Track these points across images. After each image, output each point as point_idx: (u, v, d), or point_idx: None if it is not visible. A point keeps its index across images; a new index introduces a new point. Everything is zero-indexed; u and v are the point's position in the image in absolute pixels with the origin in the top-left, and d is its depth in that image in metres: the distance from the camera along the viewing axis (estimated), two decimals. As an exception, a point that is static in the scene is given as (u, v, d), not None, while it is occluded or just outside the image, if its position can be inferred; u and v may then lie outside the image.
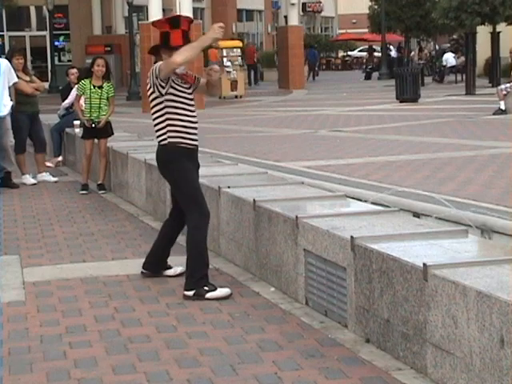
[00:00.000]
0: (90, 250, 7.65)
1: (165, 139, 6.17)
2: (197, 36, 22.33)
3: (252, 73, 41.36)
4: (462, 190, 8.28)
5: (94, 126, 11.06)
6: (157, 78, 6.09)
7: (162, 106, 6.14)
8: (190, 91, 6.25)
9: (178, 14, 6.52)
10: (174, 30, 6.15)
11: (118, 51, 37.89)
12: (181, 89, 6.17)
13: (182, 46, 6.07)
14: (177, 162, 6.18)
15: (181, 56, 5.94)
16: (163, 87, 6.11)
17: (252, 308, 5.70)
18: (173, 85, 6.12)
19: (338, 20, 70.66)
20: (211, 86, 6.45)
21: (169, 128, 6.14)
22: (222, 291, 5.98)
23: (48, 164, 13.49)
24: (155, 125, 6.24)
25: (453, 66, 35.71)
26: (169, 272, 6.58)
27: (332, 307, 5.37)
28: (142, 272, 6.60)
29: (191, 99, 6.26)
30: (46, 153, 13.56)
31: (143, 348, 4.95)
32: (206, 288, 5.97)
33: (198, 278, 6.01)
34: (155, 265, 6.60)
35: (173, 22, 6.21)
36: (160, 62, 6.14)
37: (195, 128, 6.25)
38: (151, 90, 6.17)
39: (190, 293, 5.98)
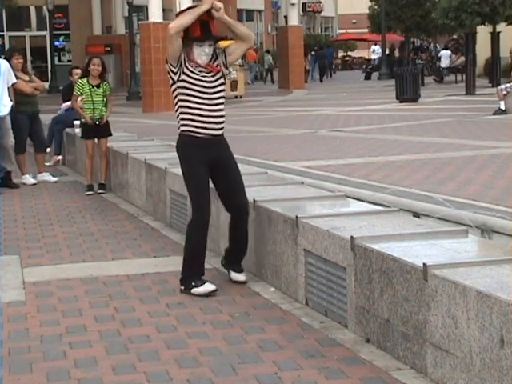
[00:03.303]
0: (90, 250, 7.65)
1: (179, 128, 6.19)
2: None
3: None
4: (461, 189, 8.27)
5: (97, 123, 11.11)
6: (166, 62, 6.12)
7: (175, 94, 6.15)
8: (212, 79, 6.15)
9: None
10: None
11: (118, 51, 37.90)
12: (196, 76, 6.09)
13: (199, 36, 6.10)
14: (183, 152, 6.17)
15: (174, 23, 6.02)
16: (174, 73, 6.10)
17: (252, 308, 5.70)
18: (186, 71, 6.08)
19: (337, 20, 70.67)
20: (232, 29, 6.29)
21: (181, 116, 6.15)
22: (205, 288, 6.02)
23: (46, 163, 13.44)
24: (175, 112, 6.24)
25: (447, 67, 35.61)
26: (232, 275, 6.40)
27: (332, 307, 5.37)
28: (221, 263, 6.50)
29: (211, 87, 6.15)
30: (46, 152, 13.56)
31: (143, 348, 4.95)
32: (193, 283, 6.05)
33: (190, 277, 6.08)
34: (227, 260, 6.48)
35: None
36: None
37: (211, 117, 6.14)
38: (168, 78, 6.17)
39: (182, 287, 6.13)
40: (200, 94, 6.10)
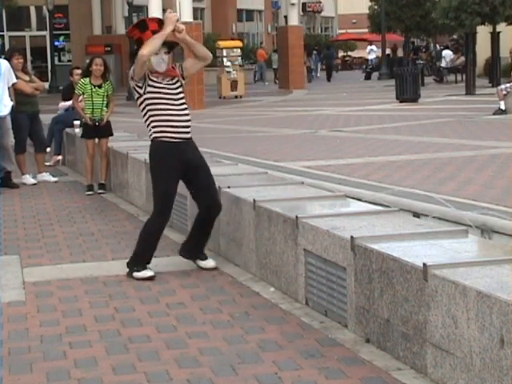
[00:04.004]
0: (90, 250, 7.65)
1: (150, 135, 6.61)
2: (198, 36, 22.46)
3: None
4: (461, 189, 8.27)
5: (97, 124, 11.10)
6: (132, 79, 6.52)
7: (144, 106, 6.57)
8: (175, 86, 6.58)
9: (143, 18, 6.98)
10: (143, 33, 6.50)
11: (118, 51, 37.88)
12: (160, 85, 6.52)
13: None
14: (157, 159, 6.59)
15: (146, 48, 6.34)
16: (140, 87, 6.55)
17: (252, 308, 5.70)
18: (150, 83, 6.51)
19: (338, 20, 70.68)
20: (193, 49, 6.65)
21: (152, 124, 6.55)
22: (144, 273, 6.50)
23: (46, 163, 13.44)
24: (144, 123, 6.64)
25: (447, 68, 35.54)
26: (201, 263, 6.79)
27: (332, 307, 5.37)
28: (180, 253, 6.89)
29: (176, 93, 6.57)
30: (46, 152, 13.56)
31: (143, 348, 4.95)
32: (135, 268, 6.56)
33: (135, 261, 6.60)
34: (189, 251, 6.86)
35: (140, 26, 6.59)
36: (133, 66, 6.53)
37: (181, 121, 6.54)
38: (133, 93, 6.63)
39: (127, 270, 6.63)
40: (167, 101, 6.50)
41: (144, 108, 6.56)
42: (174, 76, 6.59)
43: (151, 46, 6.35)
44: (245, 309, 5.68)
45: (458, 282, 4.03)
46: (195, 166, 6.63)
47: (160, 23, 6.56)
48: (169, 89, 6.53)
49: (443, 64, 35.65)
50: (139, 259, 6.63)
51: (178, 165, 6.53)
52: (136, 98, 6.63)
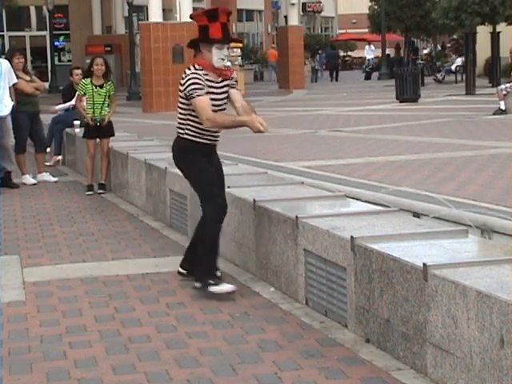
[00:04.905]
0: (90, 250, 7.65)
1: (182, 133, 6.18)
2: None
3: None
4: (461, 189, 8.27)
5: (98, 124, 11.10)
6: (185, 89, 6.04)
7: (187, 107, 6.11)
8: (219, 90, 6.12)
9: (216, 7, 6.42)
10: (212, 22, 6.05)
11: (118, 51, 37.89)
12: (211, 90, 6.06)
13: (222, 38, 6.02)
14: (190, 153, 6.15)
15: (212, 122, 5.99)
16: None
17: (252, 308, 5.70)
18: (210, 90, 6.07)
19: (338, 20, 70.67)
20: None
21: (189, 127, 6.14)
22: (224, 287, 5.98)
23: (46, 163, 13.44)
24: (179, 117, 6.22)
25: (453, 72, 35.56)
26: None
27: (332, 307, 5.37)
28: (178, 271, 6.46)
29: (221, 99, 6.14)
30: (46, 152, 13.56)
31: (143, 348, 4.95)
32: (211, 281, 5.99)
33: (204, 272, 6.04)
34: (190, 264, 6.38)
35: (210, 15, 6.10)
36: (193, 78, 6.00)
37: (217, 131, 6.25)
38: (181, 88, 6.09)
39: (199, 284, 6.04)
40: (214, 107, 6.07)
41: (187, 109, 6.10)
42: (226, 78, 6.16)
43: (216, 126, 6.09)
44: (245, 309, 5.68)
45: (458, 282, 4.03)
46: (217, 168, 6.34)
47: (229, 16, 6.17)
48: (214, 93, 6.07)
49: (453, 68, 35.56)
50: (208, 268, 6.08)
51: (206, 160, 6.20)
52: (182, 95, 6.10)
